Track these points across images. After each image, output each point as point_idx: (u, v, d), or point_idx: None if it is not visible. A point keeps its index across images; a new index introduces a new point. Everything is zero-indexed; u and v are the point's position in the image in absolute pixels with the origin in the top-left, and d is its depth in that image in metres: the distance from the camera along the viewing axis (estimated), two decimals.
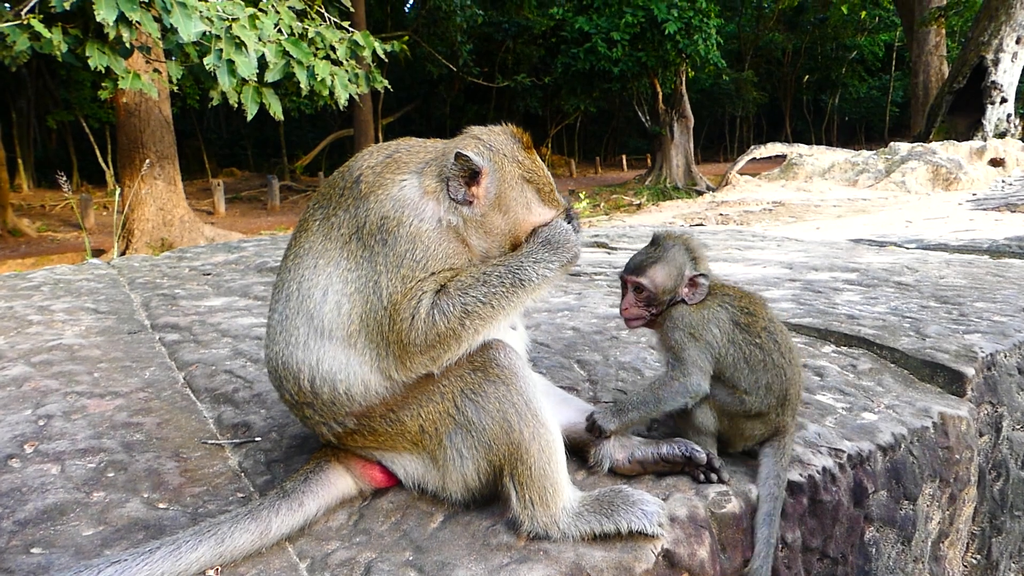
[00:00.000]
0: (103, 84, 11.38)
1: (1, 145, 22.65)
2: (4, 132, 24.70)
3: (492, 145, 1.93)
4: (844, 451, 2.19)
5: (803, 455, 2.13)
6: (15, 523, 1.82)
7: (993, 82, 27.38)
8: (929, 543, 2.48)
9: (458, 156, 1.84)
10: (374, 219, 1.83)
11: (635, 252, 2.16)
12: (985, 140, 20.52)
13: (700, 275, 2.07)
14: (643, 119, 33.32)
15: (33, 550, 1.71)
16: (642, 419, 2.02)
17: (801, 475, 2.06)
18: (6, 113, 32.11)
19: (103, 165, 32.78)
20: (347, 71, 12.30)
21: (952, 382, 2.74)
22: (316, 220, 1.93)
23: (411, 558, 1.67)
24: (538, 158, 2.01)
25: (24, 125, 33.99)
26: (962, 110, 28.01)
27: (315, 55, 11.59)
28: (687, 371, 1.99)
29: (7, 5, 9.75)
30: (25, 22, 9.18)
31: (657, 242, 2.13)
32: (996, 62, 27.37)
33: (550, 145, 45.86)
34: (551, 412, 1.82)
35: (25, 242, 22.47)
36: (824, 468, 2.11)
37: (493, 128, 2.02)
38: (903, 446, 2.33)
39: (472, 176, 1.87)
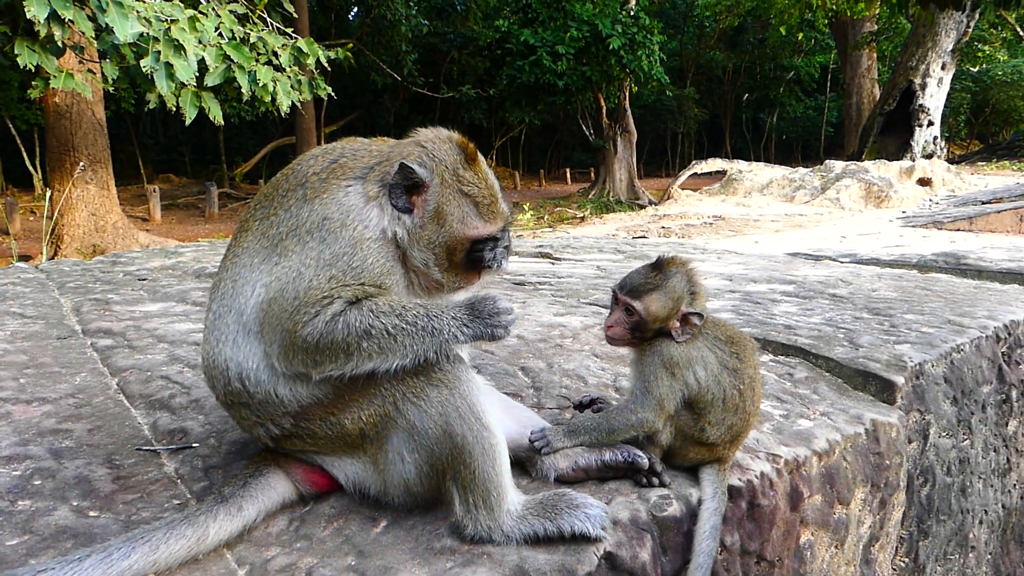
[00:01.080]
0: (33, 83, 10.97)
1: None
2: None
3: (435, 155, 1.91)
4: (781, 456, 2.24)
5: (742, 460, 2.18)
6: None
7: (921, 105, 28.70)
8: (861, 546, 2.55)
9: (402, 167, 1.83)
10: (315, 219, 1.80)
11: (633, 269, 2.10)
12: (914, 161, 21.44)
13: (695, 314, 2.00)
14: (587, 133, 33.71)
15: None
16: (591, 443, 2.00)
17: (740, 479, 2.10)
18: None
19: (31, 168, 31.58)
20: (289, 77, 12.13)
21: (883, 390, 2.84)
22: (256, 220, 1.91)
23: (353, 563, 1.65)
24: (483, 169, 1.97)
25: None
26: (892, 131, 29.27)
27: (257, 60, 11.41)
28: (647, 406, 1.97)
29: None
30: None
31: (660, 267, 2.05)
32: (923, 86, 28.70)
33: (495, 157, 46.00)
34: (495, 416, 1.81)
35: None
36: (762, 473, 2.16)
37: (440, 134, 1.99)
38: (837, 452, 2.40)
39: (414, 186, 1.86)
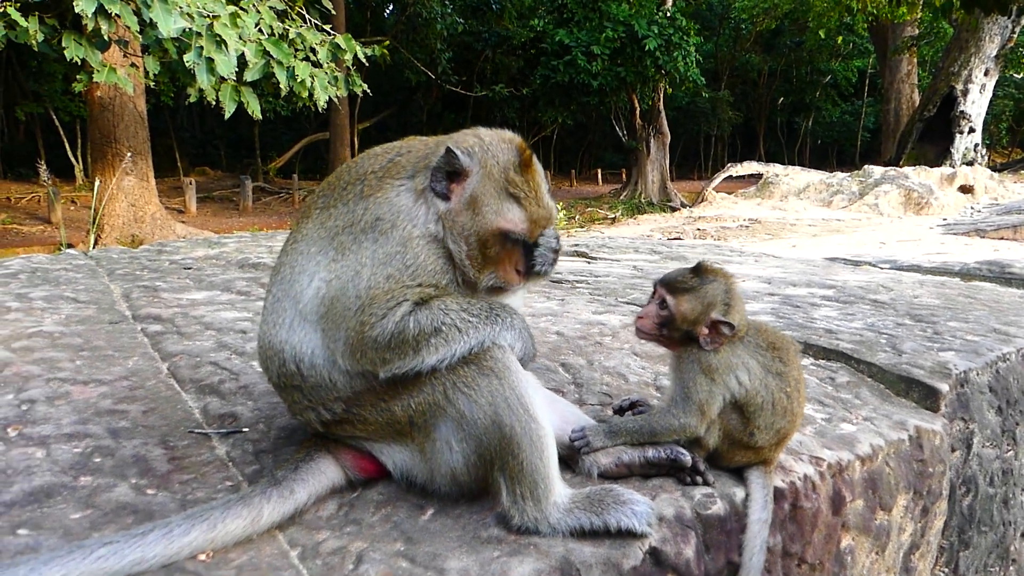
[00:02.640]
0: (78, 76, 11.22)
1: None
2: None
3: (488, 149, 1.93)
4: (824, 459, 2.24)
5: (785, 461, 2.18)
6: (1, 504, 1.79)
7: (962, 112, 28.16)
8: (901, 554, 2.54)
9: (448, 151, 1.86)
10: (369, 218, 1.85)
11: (677, 269, 2.11)
12: (954, 167, 21.07)
13: (726, 323, 1.99)
14: (620, 134, 33.59)
15: (20, 531, 1.69)
16: (632, 443, 2.02)
17: (783, 481, 2.11)
18: None
19: (72, 159, 32.26)
20: (327, 73, 12.27)
21: (926, 397, 2.81)
22: (317, 208, 1.97)
23: (402, 549, 1.68)
24: (535, 176, 1.97)
25: None
26: (931, 138, 28.75)
27: (295, 56, 11.55)
28: (689, 411, 1.98)
29: None
30: (1, 10, 9.03)
31: (699, 271, 2.05)
32: (965, 92, 28.16)
33: None
34: (543, 408, 1.83)
35: None
36: (805, 475, 2.16)
37: (502, 134, 2.01)
38: (880, 457, 2.39)
39: (455, 173, 1.88)
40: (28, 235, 22.24)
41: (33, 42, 9.19)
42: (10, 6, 9.02)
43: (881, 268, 5.85)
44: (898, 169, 20.01)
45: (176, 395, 2.54)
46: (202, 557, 1.62)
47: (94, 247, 14.18)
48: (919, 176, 18.73)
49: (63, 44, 9.69)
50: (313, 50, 12.13)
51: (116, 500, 1.84)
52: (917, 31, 35.29)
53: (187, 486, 1.93)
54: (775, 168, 21.35)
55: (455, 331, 1.78)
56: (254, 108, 11.13)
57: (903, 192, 17.57)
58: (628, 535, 1.75)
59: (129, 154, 17.01)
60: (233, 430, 2.27)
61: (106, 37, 9.74)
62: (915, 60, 36.93)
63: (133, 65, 13.14)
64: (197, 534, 1.62)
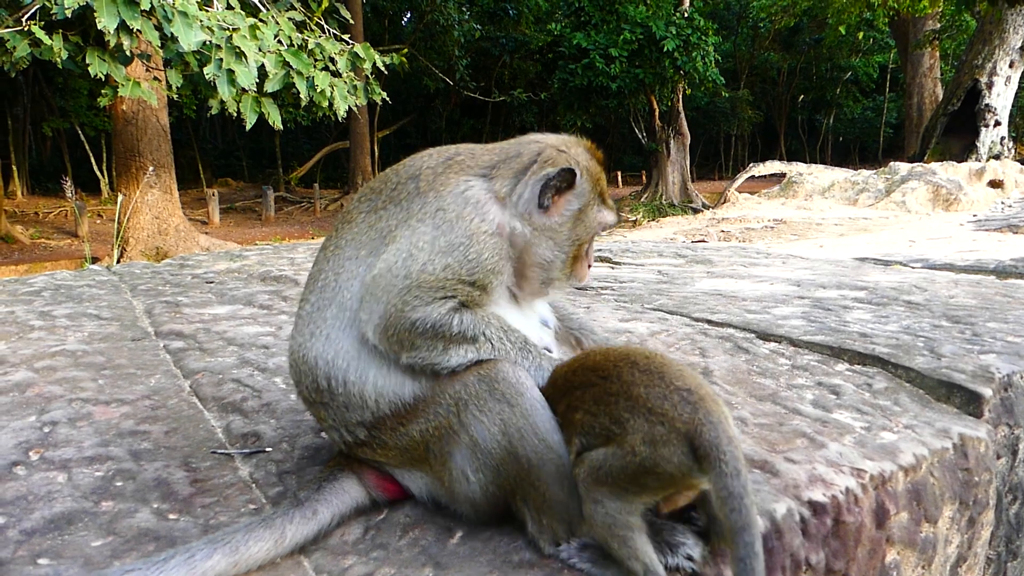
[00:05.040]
0: (103, 91, 11.38)
1: None
2: (0, 139, 24.63)
3: (578, 160, 1.96)
4: (866, 471, 2.15)
5: (825, 474, 2.09)
6: (21, 532, 1.76)
7: (987, 105, 27.68)
8: (948, 567, 2.44)
9: (564, 171, 1.88)
10: (429, 210, 1.82)
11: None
12: (980, 162, 20.69)
13: None
14: (639, 136, 33.45)
15: (40, 560, 1.65)
16: None
17: (824, 495, 2.02)
18: (2, 120, 32.07)
19: (98, 173, 32.77)
20: (346, 83, 12.31)
21: (969, 403, 2.71)
22: (361, 212, 1.91)
23: (431, 574, 1.62)
24: (602, 167, 2.09)
25: (19, 132, 33.93)
26: (956, 132, 28.29)
27: (314, 66, 11.60)
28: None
29: (9, 14, 9.72)
30: (26, 28, 9.17)
31: None
32: (990, 85, 27.69)
33: None
34: (556, 435, 1.71)
35: (18, 249, 22.33)
36: (847, 488, 2.07)
37: (568, 140, 2.03)
38: (924, 467, 2.29)
39: (561, 187, 1.90)
40: (56, 249, 22.60)
41: (57, 59, 9.31)
42: (34, 24, 9.14)
43: (913, 268, 5.71)
44: (925, 165, 19.67)
45: (198, 414, 2.51)
46: None
47: (119, 261, 14.34)
48: (947, 172, 18.39)
49: (87, 60, 9.82)
50: (332, 59, 12.19)
51: (138, 526, 1.80)
52: (939, 24, 34.77)
53: (210, 510, 1.89)
54: (798, 167, 21.08)
55: (489, 346, 1.76)
56: (275, 119, 11.20)
57: (931, 188, 17.26)
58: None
59: (152, 168, 17.23)
60: (256, 450, 2.23)
61: (128, 52, 9.85)
62: (937, 54, 36.40)
63: (156, 79, 13.29)
64: (219, 558, 1.57)
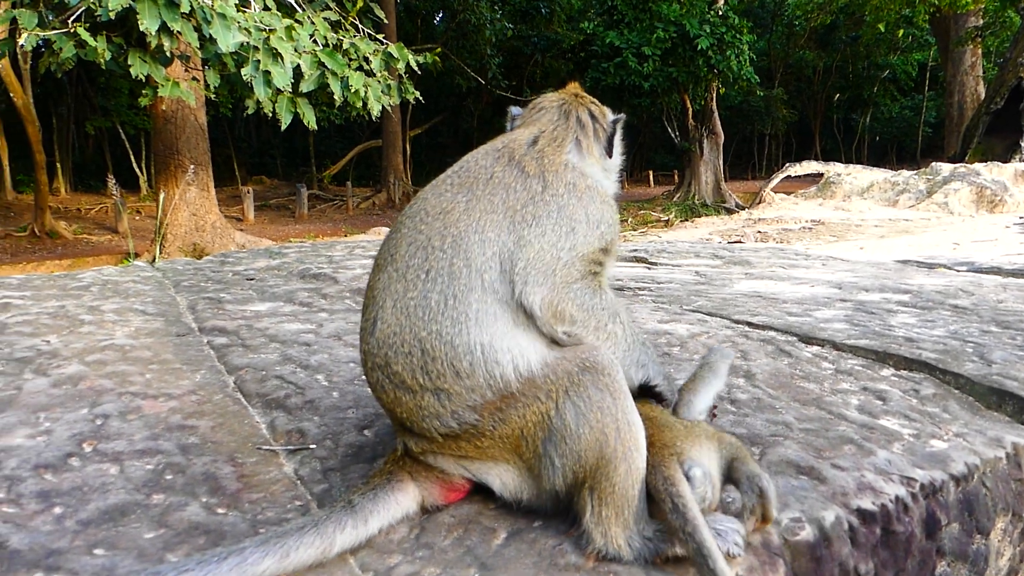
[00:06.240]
0: (143, 91, 11.59)
1: (42, 150, 23.08)
2: (44, 137, 25.25)
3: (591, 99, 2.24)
4: (916, 480, 2.11)
5: (875, 483, 2.05)
6: (78, 523, 1.79)
7: None
8: None
9: (616, 121, 2.22)
10: (560, 184, 1.93)
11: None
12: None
13: None
14: (672, 135, 33.21)
15: (96, 551, 1.68)
16: None
17: (874, 503, 1.98)
18: (47, 119, 32.81)
19: (137, 171, 33.41)
20: (380, 82, 12.39)
21: (1021, 411, 2.64)
22: (459, 204, 1.89)
23: (476, 575, 1.62)
24: None
25: (63, 131, 34.76)
26: (999, 132, 27.62)
27: (349, 66, 11.69)
28: None
29: (53, 16, 9.95)
30: (71, 30, 9.37)
31: None
32: None
33: None
34: (644, 437, 1.76)
35: (62, 244, 22.87)
36: (897, 497, 2.03)
37: (573, 91, 2.25)
38: (976, 476, 2.24)
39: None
40: (97, 245, 23.10)
41: (101, 60, 9.51)
42: (79, 26, 9.34)
43: (958, 271, 5.58)
44: (968, 166, 19.21)
45: (243, 410, 2.54)
46: None
47: (160, 256, 14.60)
48: (991, 172, 17.95)
49: (129, 62, 10.01)
50: (367, 59, 12.28)
51: (188, 520, 1.83)
52: (982, 21, 33.99)
53: (257, 505, 1.91)
54: (836, 167, 20.73)
55: (622, 331, 1.96)
56: (309, 119, 11.32)
57: (975, 190, 16.85)
58: None
59: (192, 167, 17.55)
60: (300, 447, 2.25)
61: (168, 53, 10.03)
62: (979, 51, 35.57)
63: (195, 79, 13.51)
64: (271, 562, 1.59)
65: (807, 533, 1.82)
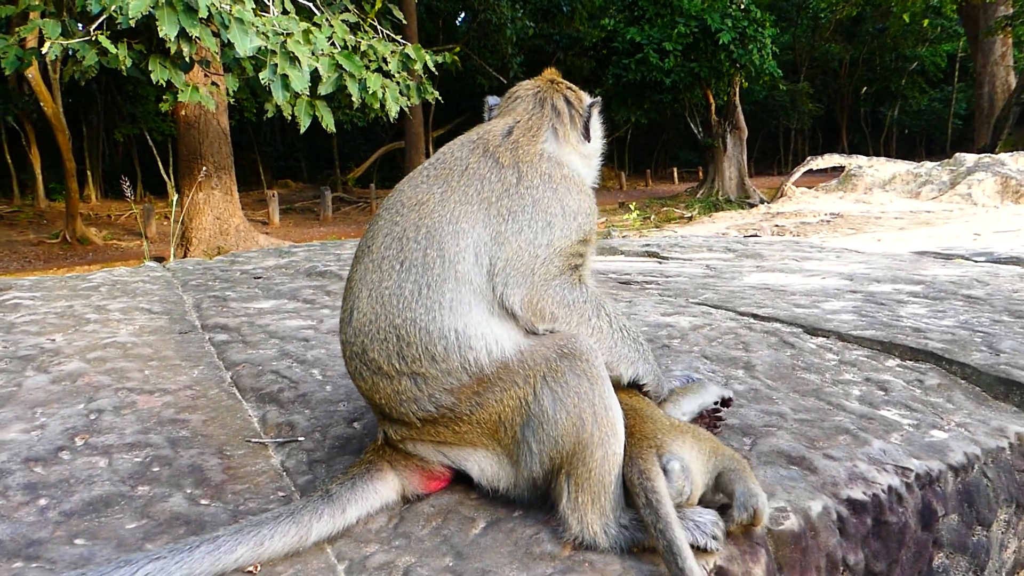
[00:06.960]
0: (164, 97, 11.75)
1: (72, 157, 23.52)
2: (75, 145, 25.73)
3: (567, 84, 2.25)
4: (912, 470, 2.06)
5: (867, 472, 2.01)
6: (61, 514, 1.82)
7: None
8: (1004, 574, 2.32)
9: (593, 105, 2.21)
10: (534, 176, 1.91)
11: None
12: None
13: None
14: (695, 131, 32.95)
15: (76, 541, 1.70)
16: None
17: (865, 493, 1.94)
18: (77, 127, 33.44)
19: (164, 176, 33.89)
20: (398, 83, 12.43)
21: None
22: (434, 195, 1.89)
23: (451, 564, 1.62)
24: None
25: (94, 138, 35.40)
26: None
27: (367, 68, 11.74)
28: None
29: (80, 25, 10.14)
30: (93, 38, 9.53)
31: None
32: None
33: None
34: (622, 423, 1.76)
35: (92, 250, 23.28)
36: (890, 487, 1.99)
37: (550, 79, 2.26)
38: (976, 467, 2.19)
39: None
40: (125, 250, 23.47)
41: (123, 67, 9.66)
42: (101, 34, 9.50)
43: (975, 261, 5.46)
44: (993, 156, 18.80)
45: (237, 404, 2.56)
46: (250, 568, 1.60)
47: (183, 258, 14.79)
48: (1017, 163, 17.56)
49: (149, 68, 10.15)
50: (385, 61, 12.32)
51: (170, 510, 1.84)
52: (1012, 10, 33.24)
53: (240, 496, 1.92)
54: (858, 160, 20.43)
55: (607, 325, 1.93)
56: (328, 122, 11.38)
57: (999, 180, 16.49)
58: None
59: (204, 168, 17.71)
60: (289, 439, 2.26)
61: (188, 58, 10.15)
62: (1010, 41, 34.79)
63: (215, 84, 13.68)
64: (244, 550, 1.59)
65: (792, 523, 1.78)
